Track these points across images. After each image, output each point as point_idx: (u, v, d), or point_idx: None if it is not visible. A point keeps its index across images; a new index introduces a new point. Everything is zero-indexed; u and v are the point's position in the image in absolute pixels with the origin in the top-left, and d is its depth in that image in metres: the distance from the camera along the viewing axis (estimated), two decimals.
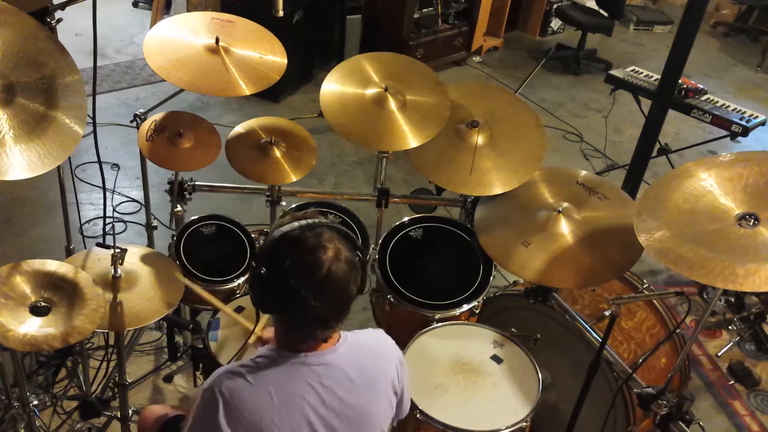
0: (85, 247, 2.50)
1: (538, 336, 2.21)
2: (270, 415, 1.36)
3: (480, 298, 2.34)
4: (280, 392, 1.38)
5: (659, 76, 3.39)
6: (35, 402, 2.39)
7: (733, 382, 3.12)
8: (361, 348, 1.50)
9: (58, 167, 2.21)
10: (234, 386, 1.36)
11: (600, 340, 2.03)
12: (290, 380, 1.39)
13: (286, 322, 1.41)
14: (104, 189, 2.37)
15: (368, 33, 5.22)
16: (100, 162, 2.32)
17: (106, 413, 2.39)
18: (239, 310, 2.23)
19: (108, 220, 3.45)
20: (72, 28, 4.35)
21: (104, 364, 2.58)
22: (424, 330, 2.21)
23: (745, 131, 3.74)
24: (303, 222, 1.36)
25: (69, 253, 2.48)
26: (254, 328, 1.80)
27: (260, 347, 1.48)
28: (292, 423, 1.38)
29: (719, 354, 3.24)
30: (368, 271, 1.54)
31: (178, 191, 2.57)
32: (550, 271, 2.16)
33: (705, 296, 3.49)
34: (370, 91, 2.46)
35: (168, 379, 2.72)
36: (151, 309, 1.98)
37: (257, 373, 1.38)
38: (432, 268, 2.46)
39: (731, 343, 3.28)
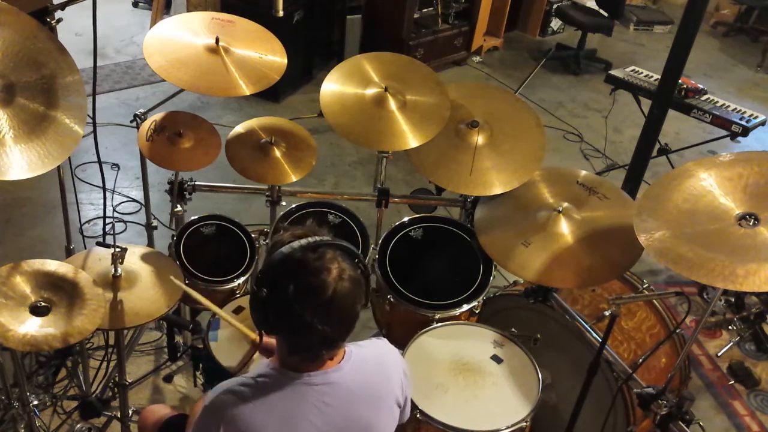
0: (85, 247, 2.50)
1: (538, 336, 2.21)
2: None
3: (480, 298, 2.34)
4: (283, 414, 1.36)
5: (659, 76, 3.38)
6: (35, 402, 2.39)
7: (733, 382, 3.12)
8: (366, 362, 1.48)
9: (58, 167, 2.21)
10: (235, 408, 1.35)
11: (600, 340, 2.03)
12: (293, 401, 1.37)
13: (291, 343, 1.38)
14: (104, 189, 2.37)
15: (368, 33, 5.22)
16: (100, 162, 2.32)
17: (106, 413, 2.39)
18: (239, 310, 2.23)
19: (108, 220, 3.45)
20: (72, 28, 4.35)
21: (104, 364, 2.58)
22: (424, 330, 2.21)
23: (745, 131, 3.74)
24: (304, 242, 1.31)
25: (69, 253, 2.49)
26: (260, 341, 1.78)
27: (262, 361, 1.47)
28: None
29: (719, 354, 3.24)
30: (369, 275, 1.51)
31: (178, 191, 2.57)
32: (550, 271, 2.16)
33: (705, 296, 3.48)
34: (370, 91, 2.46)
35: (168, 379, 2.72)
36: (151, 309, 1.98)
37: (259, 394, 1.36)
38: (432, 268, 2.46)
39: (731, 343, 3.28)
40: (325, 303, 1.30)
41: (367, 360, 1.49)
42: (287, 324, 1.34)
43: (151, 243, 2.86)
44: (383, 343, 1.59)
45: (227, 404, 1.36)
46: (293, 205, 2.63)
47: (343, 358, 1.44)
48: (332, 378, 1.40)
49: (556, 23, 6.66)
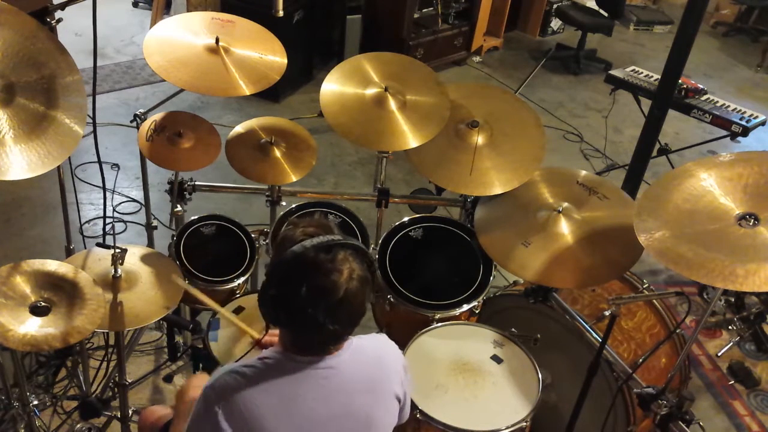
0: (85, 247, 2.50)
1: (538, 336, 2.21)
2: (271, 418, 1.35)
3: (480, 298, 2.34)
4: (283, 396, 1.37)
5: (659, 76, 3.38)
6: (35, 402, 2.39)
7: (733, 382, 3.12)
8: (365, 354, 1.49)
9: (58, 167, 2.21)
10: (237, 388, 1.36)
11: (600, 340, 2.03)
12: (293, 384, 1.38)
13: (297, 337, 1.39)
14: (104, 189, 2.37)
15: (368, 33, 5.22)
16: (100, 162, 2.32)
17: (106, 413, 2.39)
18: (239, 310, 2.23)
19: (108, 220, 3.45)
20: (72, 28, 4.36)
21: (104, 364, 2.58)
22: (424, 330, 2.21)
23: (745, 131, 3.74)
24: (316, 241, 1.31)
25: (69, 253, 2.48)
26: (264, 335, 1.78)
27: (264, 351, 1.48)
28: (293, 427, 1.37)
29: (719, 354, 3.24)
30: (376, 270, 1.52)
31: (178, 191, 2.57)
32: (550, 271, 2.16)
33: (705, 296, 3.49)
34: (370, 91, 2.46)
35: (168, 379, 2.72)
36: (151, 309, 1.98)
37: (261, 376, 1.38)
38: (432, 268, 2.46)
39: (731, 343, 3.28)
40: (336, 303, 1.30)
41: (366, 351, 1.50)
42: (297, 322, 1.35)
43: (151, 243, 2.86)
44: (383, 337, 1.59)
45: (228, 384, 1.36)
46: (293, 205, 2.63)
47: (343, 347, 1.44)
48: (332, 364, 1.41)
49: (556, 23, 6.66)
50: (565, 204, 2.29)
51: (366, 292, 1.36)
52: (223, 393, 1.36)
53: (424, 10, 5.36)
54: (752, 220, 1.76)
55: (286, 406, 1.37)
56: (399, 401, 1.55)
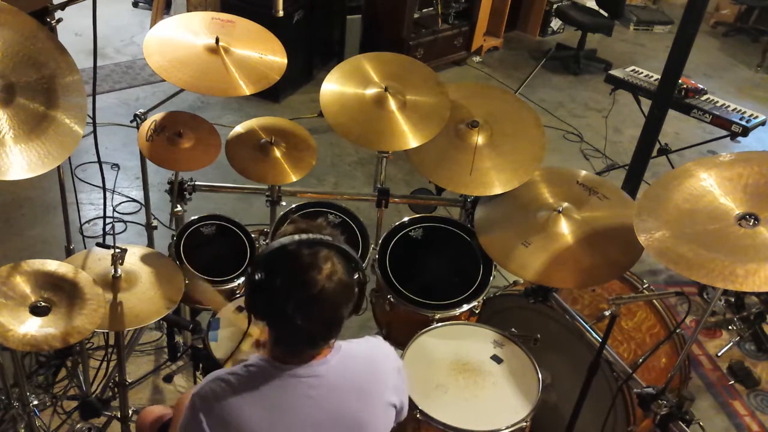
0: (85, 247, 2.50)
1: (538, 336, 2.21)
2: (256, 426, 1.35)
3: (480, 298, 2.34)
4: (270, 405, 1.37)
5: (659, 76, 3.39)
6: (35, 402, 2.39)
7: (733, 382, 3.12)
8: (355, 358, 1.48)
9: (58, 167, 2.22)
10: (222, 396, 1.36)
11: (600, 340, 2.04)
12: (280, 392, 1.38)
13: (274, 333, 1.40)
14: (104, 189, 2.38)
15: (368, 33, 5.22)
16: (100, 162, 2.32)
17: (106, 413, 2.39)
18: (239, 310, 2.23)
19: (108, 220, 3.45)
20: (72, 28, 4.36)
21: (104, 364, 2.58)
22: (424, 330, 2.21)
23: (745, 131, 3.74)
24: (304, 237, 1.33)
25: (69, 253, 2.49)
26: (247, 329, 1.78)
27: (253, 356, 1.48)
28: None
29: (719, 354, 3.24)
30: (367, 280, 1.49)
31: (178, 191, 2.57)
32: (550, 271, 2.16)
33: (705, 296, 3.49)
34: (370, 91, 2.46)
35: (168, 379, 2.71)
36: (151, 309, 1.98)
37: (247, 384, 1.37)
38: (432, 268, 2.46)
39: (731, 343, 3.28)
40: (309, 300, 1.30)
41: (356, 356, 1.49)
42: (270, 313, 1.36)
43: (151, 243, 2.86)
44: (377, 340, 1.58)
45: (214, 391, 1.37)
46: (293, 205, 2.63)
47: (330, 352, 1.43)
48: (318, 371, 1.40)
49: (556, 23, 6.66)
50: (565, 204, 2.29)
51: (344, 298, 1.35)
52: (208, 401, 1.36)
53: (424, 10, 5.36)
54: (752, 220, 1.76)
55: (270, 414, 1.36)
56: (395, 407, 1.53)
